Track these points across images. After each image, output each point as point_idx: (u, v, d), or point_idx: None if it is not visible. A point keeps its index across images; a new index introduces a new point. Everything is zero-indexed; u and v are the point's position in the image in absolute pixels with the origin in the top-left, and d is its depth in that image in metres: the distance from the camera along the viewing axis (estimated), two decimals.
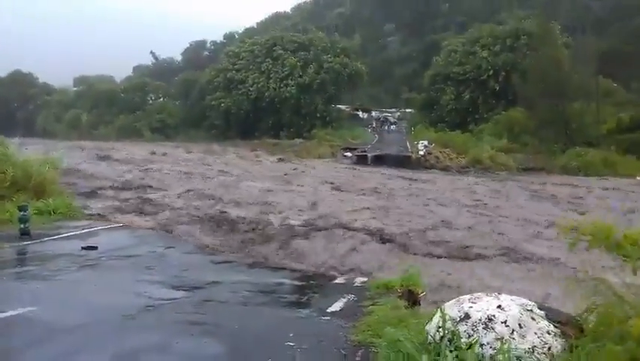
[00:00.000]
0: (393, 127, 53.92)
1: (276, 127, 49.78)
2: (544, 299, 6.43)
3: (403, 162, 33.13)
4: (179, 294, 7.16)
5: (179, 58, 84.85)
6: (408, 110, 58.52)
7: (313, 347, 5.07)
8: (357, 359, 4.79)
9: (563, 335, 4.01)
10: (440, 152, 34.73)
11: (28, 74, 77.77)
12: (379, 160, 33.61)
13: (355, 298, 6.98)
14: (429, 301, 6.78)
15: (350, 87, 55.30)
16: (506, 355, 3.66)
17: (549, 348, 3.86)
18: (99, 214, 13.74)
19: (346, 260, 9.89)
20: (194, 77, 59.61)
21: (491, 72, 44.73)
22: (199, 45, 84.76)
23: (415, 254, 10.50)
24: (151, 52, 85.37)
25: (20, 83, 75.27)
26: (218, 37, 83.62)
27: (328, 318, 6.13)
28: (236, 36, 79.26)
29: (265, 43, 54.45)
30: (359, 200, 17.66)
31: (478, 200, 18.38)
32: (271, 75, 51.33)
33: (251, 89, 51.13)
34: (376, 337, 5.05)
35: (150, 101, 63.22)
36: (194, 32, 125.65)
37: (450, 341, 3.96)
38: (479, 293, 4.56)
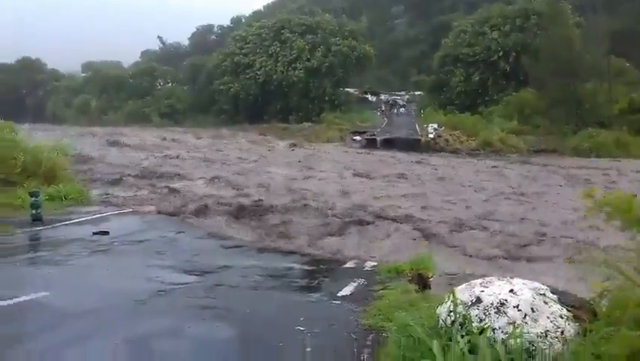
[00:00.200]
0: (402, 110, 53.53)
1: (285, 111, 49.58)
2: None
3: (412, 145, 32.96)
4: (191, 279, 7.20)
5: (186, 42, 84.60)
6: (417, 92, 58.01)
7: (324, 332, 5.08)
8: (368, 343, 4.79)
9: (576, 318, 3.98)
10: (450, 135, 34.48)
11: (36, 60, 77.79)
12: (389, 144, 33.45)
13: (366, 283, 6.98)
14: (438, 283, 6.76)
15: (358, 70, 54.83)
16: (518, 340, 3.63)
17: (562, 332, 3.83)
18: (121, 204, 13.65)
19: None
20: (202, 62, 59.37)
21: (501, 53, 44.14)
22: (206, 29, 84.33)
23: (470, 256, 9.39)
24: (158, 37, 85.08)
25: (29, 69, 75.32)
26: (225, 22, 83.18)
27: (339, 302, 6.14)
28: (243, 20, 78.74)
29: (272, 26, 54.04)
30: (390, 187, 16.99)
31: (512, 186, 17.35)
32: (279, 58, 50.95)
33: (259, 72, 50.81)
34: (387, 321, 5.06)
35: (159, 87, 63.13)
36: (201, 17, 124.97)
37: (461, 325, 3.94)
38: (491, 277, 4.54)
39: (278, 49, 51.59)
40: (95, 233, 9.72)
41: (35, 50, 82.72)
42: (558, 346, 3.74)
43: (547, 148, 31.24)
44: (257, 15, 78.13)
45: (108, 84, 62.19)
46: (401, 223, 11.52)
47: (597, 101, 36.68)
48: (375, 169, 21.47)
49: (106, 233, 9.70)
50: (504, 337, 3.79)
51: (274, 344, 4.79)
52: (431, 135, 34.55)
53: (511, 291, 4.11)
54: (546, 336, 3.80)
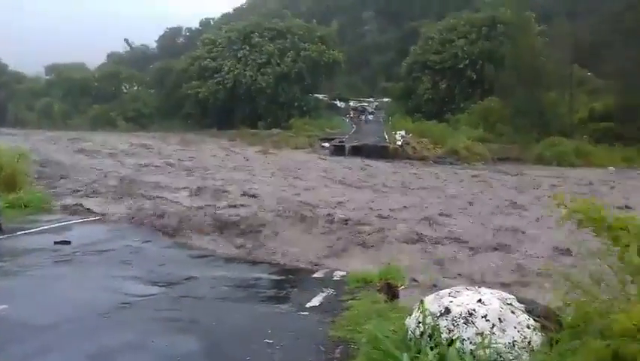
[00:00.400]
0: (370, 117, 53.90)
1: (253, 116, 49.25)
2: None
3: (380, 152, 33.16)
4: (156, 290, 7.04)
5: (153, 45, 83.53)
6: (385, 99, 58.59)
7: (292, 344, 5.02)
8: (337, 355, 4.74)
9: (543, 328, 4.01)
10: (417, 142, 34.85)
11: None
12: (357, 151, 33.58)
13: (334, 293, 6.94)
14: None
15: (328, 76, 54.97)
16: (487, 350, 3.65)
17: (529, 342, 3.86)
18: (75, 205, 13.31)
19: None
20: (170, 66, 58.63)
21: (467, 61, 44.92)
22: (174, 32, 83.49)
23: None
24: (125, 39, 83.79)
25: None
26: (194, 24, 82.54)
27: (307, 313, 6.09)
28: (212, 23, 78.25)
29: (242, 30, 53.74)
30: (389, 199, 16.46)
31: (509, 200, 16.61)
32: (248, 63, 50.63)
33: (227, 77, 50.36)
34: (356, 332, 5.02)
35: (125, 90, 62.07)
36: (168, 20, 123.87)
37: (430, 336, 3.94)
38: (459, 287, 4.55)
39: (247, 53, 51.29)
40: (56, 243, 9.42)
41: None
42: (525, 357, 3.77)
43: (512, 156, 31.91)
44: (226, 18, 77.79)
45: (72, 87, 60.83)
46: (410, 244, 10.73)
47: (559, 110, 37.66)
48: (364, 180, 21.37)
49: (67, 243, 9.42)
50: (473, 348, 3.80)
51: (241, 358, 4.70)
52: (399, 143, 34.84)
53: (480, 301, 4.13)
54: (514, 346, 3.82)
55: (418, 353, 3.79)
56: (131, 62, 74.11)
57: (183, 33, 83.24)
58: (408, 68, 49.77)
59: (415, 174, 24.70)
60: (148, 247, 9.86)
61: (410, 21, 63.81)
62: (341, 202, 15.24)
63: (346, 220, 12.36)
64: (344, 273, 8.17)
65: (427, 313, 4.03)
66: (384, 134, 39.61)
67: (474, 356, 3.67)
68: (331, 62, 52.12)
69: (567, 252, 9.18)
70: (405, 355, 3.56)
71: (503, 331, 3.91)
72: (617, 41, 36.41)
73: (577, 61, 39.74)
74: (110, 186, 16.91)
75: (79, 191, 15.92)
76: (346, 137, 39.12)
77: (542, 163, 29.89)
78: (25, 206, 12.56)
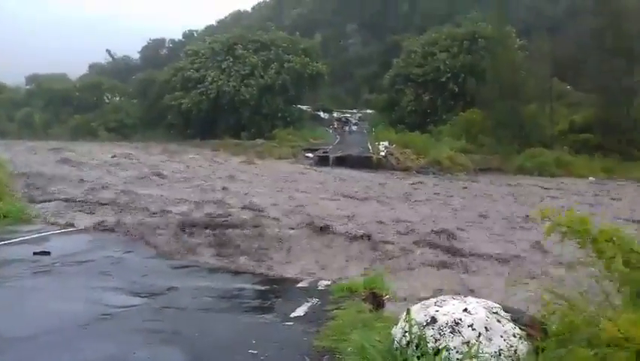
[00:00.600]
0: (354, 128, 54.24)
1: (237, 127, 49.20)
2: None
3: (364, 163, 33.32)
4: (137, 301, 6.91)
5: (136, 56, 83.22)
6: (369, 110, 59.01)
7: (276, 354, 4.94)
8: None
9: (529, 337, 4.01)
10: (400, 153, 35.08)
11: None
12: (341, 161, 33.68)
13: (319, 302, 6.88)
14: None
15: (311, 87, 55.27)
16: (473, 359, 3.63)
17: (515, 351, 3.85)
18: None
19: None
20: (152, 77, 58.44)
21: (449, 74, 45.50)
22: (157, 43, 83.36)
23: None
24: (107, 50, 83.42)
25: None
26: (177, 36, 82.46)
27: (292, 323, 6.02)
28: (196, 35, 78.24)
29: (226, 41, 53.79)
30: (396, 211, 15.94)
31: (521, 214, 15.72)
32: (232, 73, 50.64)
33: (210, 87, 50.26)
34: (341, 342, 4.97)
35: (107, 101, 61.68)
36: (153, 31, 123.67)
37: (417, 346, 3.91)
38: (445, 296, 4.54)
39: (231, 64, 51.29)
40: (35, 253, 9.23)
41: None
42: None
43: (493, 167, 32.29)
44: (210, 30, 77.91)
45: (53, 97, 60.29)
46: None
47: (540, 122, 38.27)
48: (357, 190, 21.23)
49: (47, 253, 9.23)
50: (459, 357, 3.78)
51: None
52: (382, 153, 35.05)
53: (466, 310, 4.11)
54: (500, 355, 3.81)
55: None
56: (113, 72, 73.76)
57: (166, 45, 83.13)
58: (391, 80, 50.25)
59: (413, 185, 24.79)
60: (129, 257, 9.70)
61: (392, 35, 64.57)
62: (351, 216, 14.46)
63: (367, 236, 11.74)
64: (328, 282, 8.13)
65: (413, 322, 4.01)
66: (368, 144, 39.82)
67: None
68: (315, 74, 52.40)
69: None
70: None
71: (489, 340, 3.89)
72: (596, 57, 37.21)
73: (556, 75, 40.53)
74: (102, 199, 15.89)
75: (68, 202, 15.30)
76: (330, 147, 39.24)
77: (523, 173, 30.27)
78: (4, 216, 12.33)
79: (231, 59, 51.54)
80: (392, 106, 49.74)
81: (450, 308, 4.18)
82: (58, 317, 5.98)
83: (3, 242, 10.25)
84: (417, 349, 3.89)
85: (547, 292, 3.95)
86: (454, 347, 3.84)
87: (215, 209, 14.53)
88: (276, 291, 7.94)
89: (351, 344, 4.39)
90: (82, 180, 19.93)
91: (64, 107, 58.92)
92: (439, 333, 3.96)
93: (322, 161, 34.36)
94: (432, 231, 12.60)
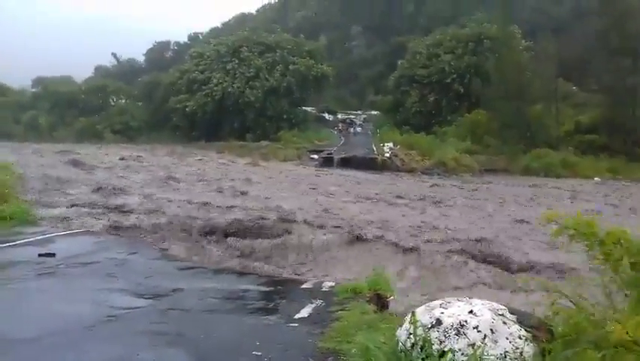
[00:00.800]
0: (359, 129, 54.21)
1: (242, 129, 49.34)
2: None
3: (368, 164, 33.30)
4: (142, 302, 6.90)
5: (141, 59, 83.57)
6: (373, 112, 58.99)
7: (281, 356, 4.93)
8: None
9: (534, 338, 3.98)
10: (405, 154, 35.05)
11: None
12: (345, 163, 33.68)
13: (324, 304, 6.86)
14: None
15: (316, 89, 55.34)
16: None
17: (521, 353, 3.82)
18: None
19: None
20: (158, 79, 58.67)
21: (455, 75, 45.43)
22: (162, 46, 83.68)
23: None
24: (112, 53, 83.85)
25: None
26: (179, 38, 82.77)
27: (296, 325, 6.00)
28: (201, 37, 78.47)
29: (231, 44, 53.95)
30: (426, 215, 15.42)
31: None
32: (237, 75, 50.77)
33: (215, 89, 50.42)
34: (345, 343, 4.95)
35: (112, 103, 61.97)
36: (153, 32, 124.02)
37: (421, 348, 3.88)
38: (450, 298, 4.51)
39: (236, 66, 51.45)
40: (40, 255, 9.25)
41: None
42: None
43: (499, 168, 32.19)
44: (215, 32, 78.14)
45: (59, 100, 60.62)
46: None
47: (545, 122, 38.15)
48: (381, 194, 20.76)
49: (52, 255, 9.25)
50: (464, 359, 3.75)
51: None
52: (387, 155, 35.01)
53: (471, 312, 4.08)
54: (505, 357, 3.78)
55: None
56: (119, 75, 74.11)
57: (172, 47, 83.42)
58: (396, 81, 50.24)
59: (432, 187, 24.59)
60: (134, 258, 9.71)
61: (397, 36, 64.54)
62: (386, 221, 13.73)
63: (415, 249, 10.99)
64: (332, 284, 8.11)
65: (417, 324, 3.98)
66: (373, 146, 39.79)
67: None
68: (320, 76, 52.47)
69: None
70: None
71: (495, 342, 3.86)
72: (602, 57, 37.09)
73: (562, 75, 40.41)
74: (124, 206, 14.90)
75: (59, 201, 14.98)
76: (334, 149, 39.26)
77: (529, 174, 30.16)
78: (9, 218, 12.37)
79: (236, 61, 51.68)
80: (397, 107, 49.72)
81: (455, 310, 4.15)
82: (62, 318, 5.98)
83: (8, 244, 10.27)
84: (422, 351, 3.86)
85: (552, 292, 3.91)
86: (459, 349, 3.81)
87: (244, 215, 13.55)
88: (280, 292, 7.93)
89: (356, 345, 4.37)
90: (97, 186, 18.43)
91: (70, 110, 59.25)
92: (444, 335, 3.93)
93: (327, 162, 34.37)
94: (475, 240, 11.68)
